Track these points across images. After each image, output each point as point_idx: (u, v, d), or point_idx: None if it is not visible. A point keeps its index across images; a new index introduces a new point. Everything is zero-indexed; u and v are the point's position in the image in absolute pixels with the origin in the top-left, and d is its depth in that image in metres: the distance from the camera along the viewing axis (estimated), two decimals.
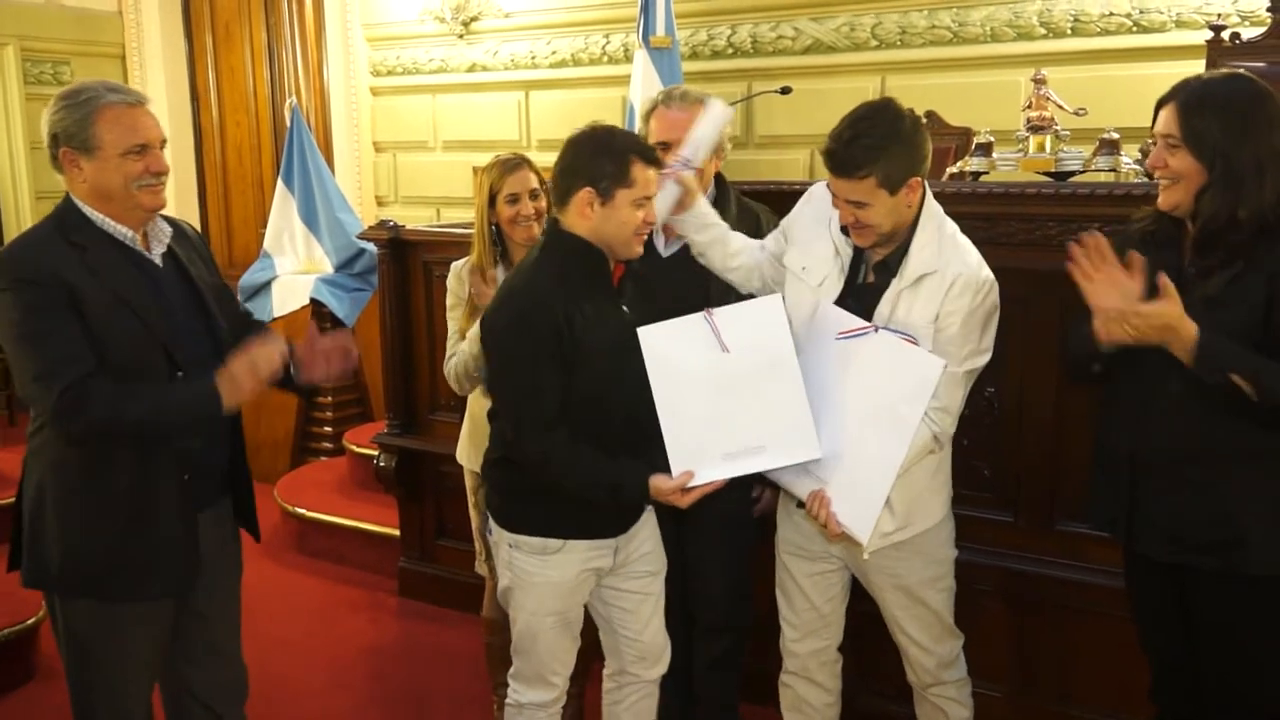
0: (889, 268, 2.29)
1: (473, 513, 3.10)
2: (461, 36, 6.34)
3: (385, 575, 4.25)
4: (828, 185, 2.29)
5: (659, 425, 2.24)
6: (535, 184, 2.88)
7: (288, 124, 5.65)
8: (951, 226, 2.33)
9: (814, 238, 2.40)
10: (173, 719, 2.53)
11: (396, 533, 4.22)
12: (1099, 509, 2.27)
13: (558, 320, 2.19)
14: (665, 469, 2.23)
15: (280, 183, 5.65)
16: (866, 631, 2.72)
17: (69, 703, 2.36)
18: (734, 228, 2.62)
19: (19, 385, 2.16)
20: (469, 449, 3.07)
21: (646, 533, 2.49)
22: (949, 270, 2.23)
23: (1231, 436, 2.05)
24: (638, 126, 2.86)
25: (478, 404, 3.01)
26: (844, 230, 2.33)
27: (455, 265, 2.99)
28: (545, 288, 2.23)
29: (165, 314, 2.21)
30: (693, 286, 2.58)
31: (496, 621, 3.10)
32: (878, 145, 2.15)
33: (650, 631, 2.52)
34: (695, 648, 2.93)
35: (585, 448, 2.24)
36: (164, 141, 2.24)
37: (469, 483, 3.10)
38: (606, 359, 2.24)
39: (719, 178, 2.77)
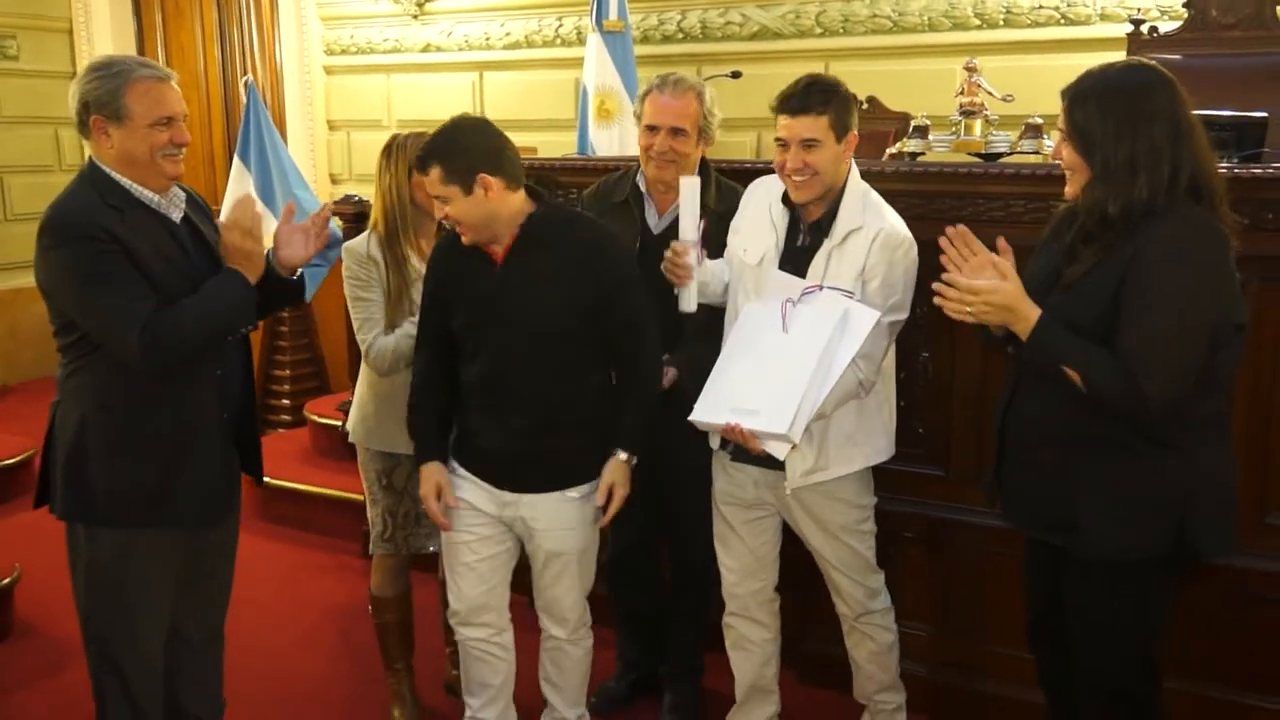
0: (822, 228, 2.55)
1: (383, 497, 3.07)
2: (416, 17, 6.43)
3: (349, 539, 4.39)
4: (777, 139, 2.54)
5: (511, 392, 2.56)
6: None
7: (243, 101, 5.71)
8: (875, 195, 2.60)
9: (755, 223, 2.67)
10: None
11: (360, 497, 4.35)
12: (985, 479, 2.45)
13: (444, 269, 2.60)
14: (514, 431, 2.56)
15: (236, 159, 5.69)
16: (808, 581, 2.94)
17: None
18: (715, 208, 2.85)
19: (94, 332, 2.29)
20: (380, 426, 3.00)
21: (544, 508, 2.62)
22: (871, 226, 2.50)
23: (1076, 421, 2.11)
24: (634, 105, 3.02)
25: (387, 381, 2.94)
26: (785, 200, 2.60)
27: (356, 248, 2.92)
28: (444, 245, 2.64)
29: (193, 270, 2.38)
30: None
31: (383, 600, 3.17)
32: (830, 93, 2.48)
33: (545, 597, 2.73)
34: (669, 601, 3.16)
35: (434, 388, 2.66)
36: (186, 115, 2.39)
37: (378, 466, 3.05)
38: (471, 316, 2.55)
39: (703, 162, 2.96)
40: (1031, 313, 2.07)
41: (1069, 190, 2.17)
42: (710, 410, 2.50)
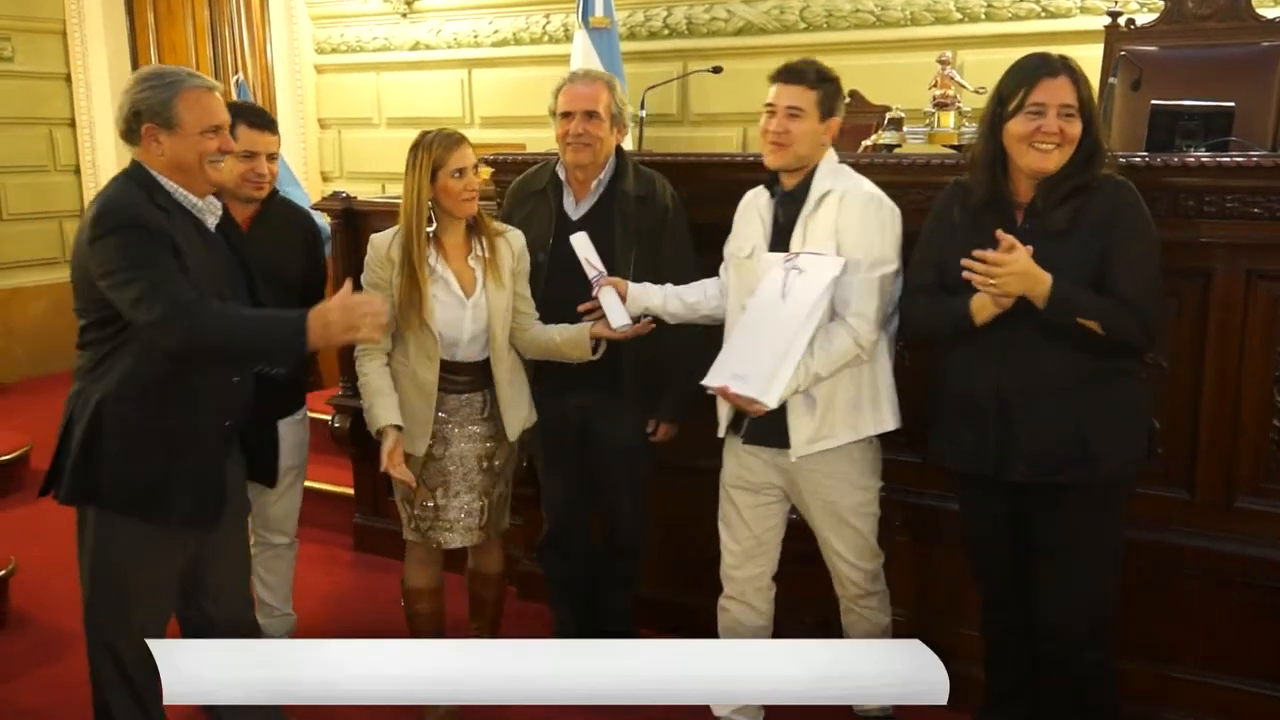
0: (796, 199, 2.65)
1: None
2: (405, 15, 6.49)
3: (340, 532, 4.43)
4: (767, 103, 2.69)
5: None
6: (474, 160, 2.88)
7: (234, 99, 5.76)
8: (849, 168, 2.72)
9: (745, 222, 2.79)
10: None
11: (349, 491, 4.42)
12: (956, 447, 2.56)
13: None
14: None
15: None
16: (791, 571, 2.99)
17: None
18: (632, 193, 2.96)
19: (124, 308, 2.31)
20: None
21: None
22: (838, 188, 2.62)
23: (1077, 368, 2.38)
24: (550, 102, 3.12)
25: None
26: (768, 188, 2.73)
27: (379, 242, 2.88)
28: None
29: (224, 278, 2.45)
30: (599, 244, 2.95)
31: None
32: (826, 78, 2.68)
33: (276, 511, 3.33)
34: (601, 569, 3.30)
35: None
36: (228, 124, 2.45)
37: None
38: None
39: (618, 150, 3.09)
40: (1044, 275, 2.30)
41: (1054, 161, 2.37)
42: (713, 375, 2.65)
